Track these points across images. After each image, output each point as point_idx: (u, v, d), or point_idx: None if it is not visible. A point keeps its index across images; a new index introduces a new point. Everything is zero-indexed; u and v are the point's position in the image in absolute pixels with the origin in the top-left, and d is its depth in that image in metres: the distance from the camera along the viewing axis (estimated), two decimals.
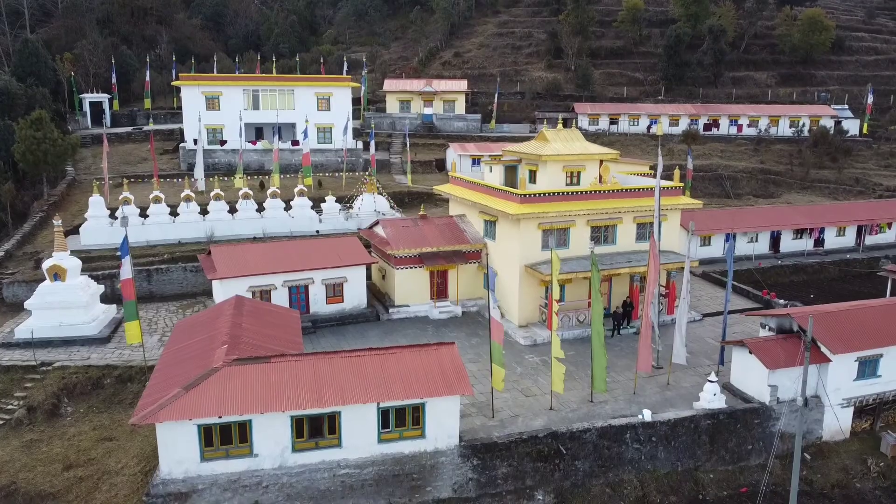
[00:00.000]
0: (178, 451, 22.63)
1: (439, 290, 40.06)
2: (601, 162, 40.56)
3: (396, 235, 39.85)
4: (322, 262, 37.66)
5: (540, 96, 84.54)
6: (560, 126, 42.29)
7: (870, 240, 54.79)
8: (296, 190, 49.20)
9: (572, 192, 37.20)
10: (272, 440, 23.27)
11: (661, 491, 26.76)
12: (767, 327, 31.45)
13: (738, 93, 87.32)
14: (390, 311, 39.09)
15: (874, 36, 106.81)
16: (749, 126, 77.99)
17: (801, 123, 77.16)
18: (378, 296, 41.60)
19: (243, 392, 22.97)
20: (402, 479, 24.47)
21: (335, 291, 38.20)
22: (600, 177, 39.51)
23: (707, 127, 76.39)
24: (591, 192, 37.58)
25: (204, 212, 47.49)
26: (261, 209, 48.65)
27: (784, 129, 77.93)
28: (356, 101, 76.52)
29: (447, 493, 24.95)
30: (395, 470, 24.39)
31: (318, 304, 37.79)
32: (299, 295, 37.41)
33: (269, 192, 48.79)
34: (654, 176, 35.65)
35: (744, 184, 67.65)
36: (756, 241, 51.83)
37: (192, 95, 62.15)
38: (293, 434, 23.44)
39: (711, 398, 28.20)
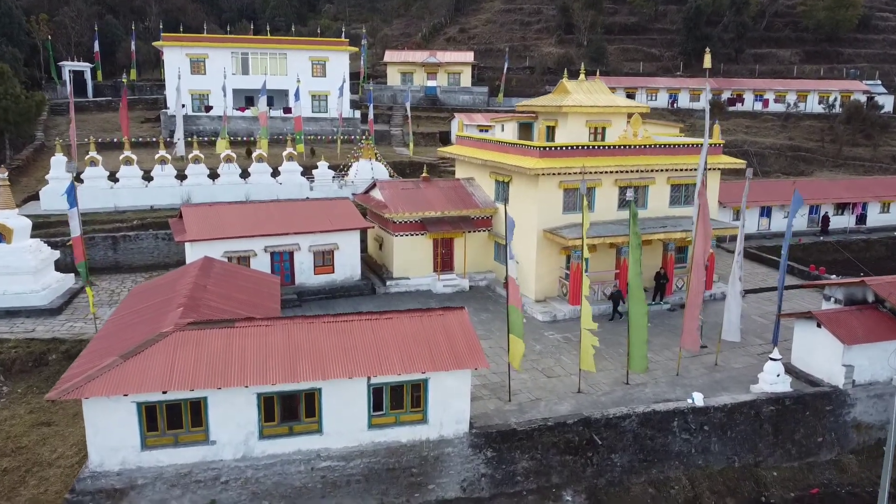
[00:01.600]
0: (113, 437, 17.75)
1: (444, 260, 35.15)
2: (629, 118, 35.66)
3: (395, 198, 34.95)
4: (310, 226, 32.79)
5: (551, 71, 79.41)
6: (582, 77, 37.34)
7: None
8: (284, 154, 44.33)
9: (599, 147, 32.24)
10: (234, 424, 18.38)
11: (715, 491, 21.82)
12: (833, 299, 26.50)
13: (762, 69, 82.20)
14: (388, 283, 34.20)
15: None
16: (776, 101, 72.90)
17: (832, 99, 72.04)
18: (374, 269, 36.73)
19: (197, 362, 18.09)
20: (398, 474, 19.57)
21: (324, 260, 33.33)
22: (630, 132, 34.51)
23: (731, 102, 71.39)
24: (620, 146, 32.62)
25: (181, 177, 42.65)
26: (245, 175, 43.78)
27: (813, 104, 72.82)
28: (355, 75, 71.61)
29: (454, 491, 20.04)
30: (389, 463, 19.49)
31: (305, 274, 32.93)
32: (283, 263, 32.55)
33: (254, 155, 43.89)
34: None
35: (772, 161, 62.61)
36: None
37: (175, 58, 57.17)
38: (261, 416, 18.55)
39: (774, 380, 23.24)
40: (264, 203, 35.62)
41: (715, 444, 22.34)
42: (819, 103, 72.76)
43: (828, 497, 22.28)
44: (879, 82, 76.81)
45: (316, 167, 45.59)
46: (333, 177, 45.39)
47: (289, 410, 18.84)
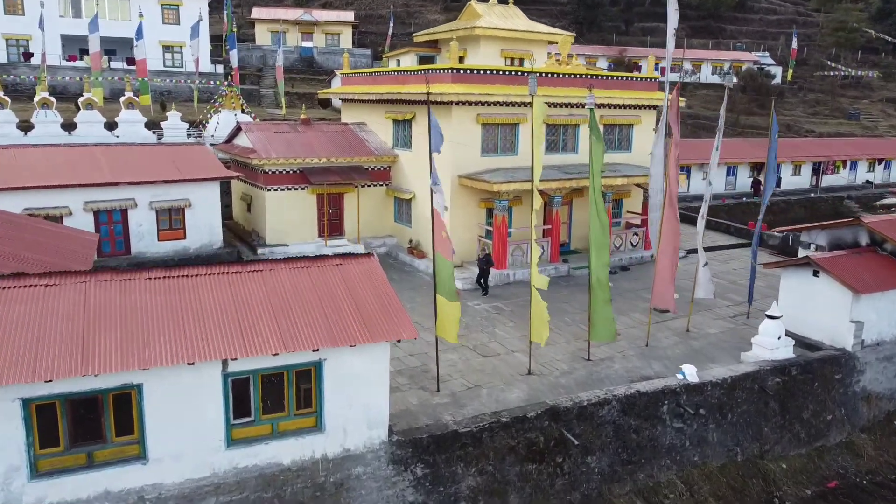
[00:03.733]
0: None
1: (331, 222, 27.90)
2: (549, 49, 30.02)
3: (267, 141, 27.29)
4: (150, 174, 24.49)
5: None
6: (494, 0, 31.27)
7: (825, 181, 48.37)
8: (122, 100, 35.18)
9: (523, 73, 26.06)
10: None
11: (719, 496, 16.16)
12: (814, 246, 21.88)
13: (653, 40, 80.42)
14: (259, 252, 26.48)
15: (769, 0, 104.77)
16: (672, 71, 70.74)
17: (725, 68, 70.96)
18: (243, 238, 28.87)
19: None
20: None
21: (172, 221, 25.16)
22: (560, 60, 28.76)
23: (628, 69, 68.23)
24: (547, 73, 26.64)
25: None
26: (72, 128, 34.22)
27: (707, 75, 71.40)
28: (216, 38, 61.90)
29: None
30: (263, 499, 12.20)
31: (146, 240, 24.63)
32: (112, 225, 24.10)
33: (81, 100, 34.44)
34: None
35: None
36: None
37: None
38: (32, 439, 10.72)
39: (775, 344, 17.95)
40: (87, 146, 26.72)
41: (713, 433, 16.71)
42: (713, 73, 71.43)
43: (849, 490, 17.26)
44: (767, 54, 76.84)
45: (166, 119, 36.71)
46: (189, 132, 36.71)
47: (87, 426, 11.11)
